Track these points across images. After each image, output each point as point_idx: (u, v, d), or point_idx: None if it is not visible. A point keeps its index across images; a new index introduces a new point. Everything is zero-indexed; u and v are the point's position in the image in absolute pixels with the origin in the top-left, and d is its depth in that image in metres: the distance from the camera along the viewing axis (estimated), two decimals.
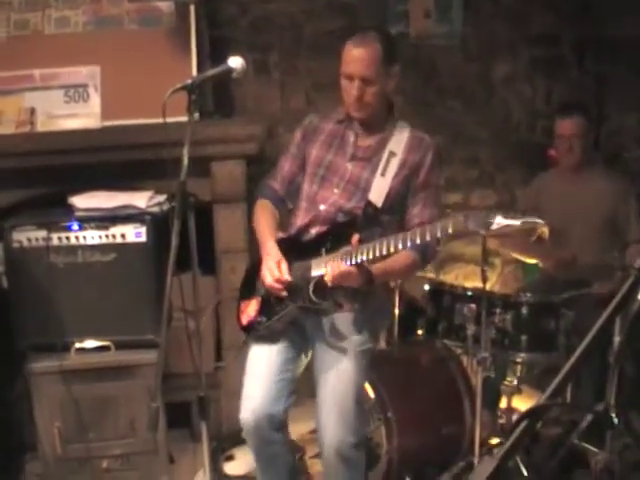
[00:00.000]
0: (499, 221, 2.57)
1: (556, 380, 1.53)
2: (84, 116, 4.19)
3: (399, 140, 3.03)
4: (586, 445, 3.56)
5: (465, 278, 4.96)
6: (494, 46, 4.93)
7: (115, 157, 4.03)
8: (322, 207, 3.05)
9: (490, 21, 4.89)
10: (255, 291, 3.17)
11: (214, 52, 4.33)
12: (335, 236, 2.96)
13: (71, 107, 4.20)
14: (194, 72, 4.15)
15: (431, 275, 4.84)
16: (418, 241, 2.70)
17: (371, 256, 2.79)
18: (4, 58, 4.17)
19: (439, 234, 2.65)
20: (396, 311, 3.98)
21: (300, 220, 3.12)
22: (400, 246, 2.74)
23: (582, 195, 4.18)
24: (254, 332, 3.17)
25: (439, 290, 3.93)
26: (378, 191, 2.99)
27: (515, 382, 3.82)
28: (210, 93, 4.27)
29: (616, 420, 1.73)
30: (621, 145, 4.85)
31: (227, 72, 2.91)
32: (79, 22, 4.22)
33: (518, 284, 4.89)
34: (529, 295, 3.78)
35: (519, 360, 3.75)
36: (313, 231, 3.08)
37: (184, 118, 2.77)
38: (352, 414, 3.04)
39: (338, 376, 3.04)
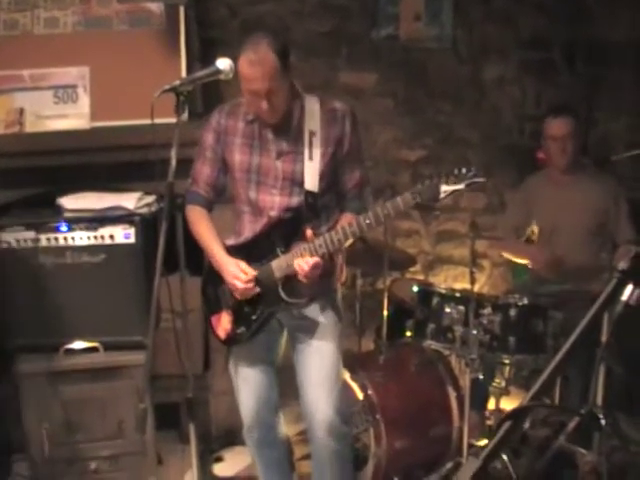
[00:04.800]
0: (445, 189, 2.76)
1: (540, 380, 1.53)
2: (73, 117, 4.18)
3: (313, 114, 3.06)
4: (574, 447, 3.57)
5: (454, 280, 4.98)
6: (484, 49, 4.93)
7: (104, 158, 4.02)
8: (272, 213, 3.08)
9: (480, 24, 4.90)
10: (222, 304, 3.20)
11: (204, 54, 4.32)
12: (285, 234, 3.05)
13: (60, 108, 4.19)
14: (184, 73, 4.14)
15: (420, 277, 4.86)
16: (374, 225, 2.88)
17: (333, 247, 2.94)
18: None
19: (392, 213, 2.84)
20: (384, 312, 3.99)
21: (251, 227, 3.15)
22: (358, 233, 2.91)
23: (573, 197, 4.19)
24: (237, 343, 3.22)
25: (428, 292, 3.93)
26: (311, 177, 3.04)
27: (503, 383, 3.83)
28: (199, 94, 4.25)
29: (603, 422, 1.73)
30: (609, 148, 4.86)
31: (215, 74, 2.92)
32: (68, 22, 4.20)
33: (507, 286, 4.90)
34: (517, 297, 3.79)
35: (507, 361, 3.76)
36: (263, 235, 3.11)
37: (173, 119, 2.77)
38: (339, 391, 3.17)
39: (321, 356, 3.15)
